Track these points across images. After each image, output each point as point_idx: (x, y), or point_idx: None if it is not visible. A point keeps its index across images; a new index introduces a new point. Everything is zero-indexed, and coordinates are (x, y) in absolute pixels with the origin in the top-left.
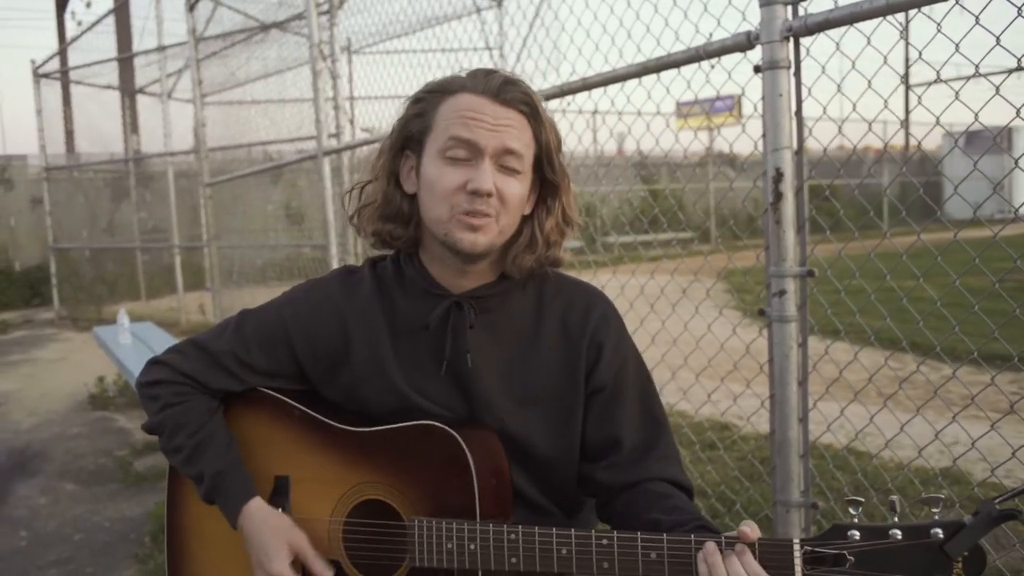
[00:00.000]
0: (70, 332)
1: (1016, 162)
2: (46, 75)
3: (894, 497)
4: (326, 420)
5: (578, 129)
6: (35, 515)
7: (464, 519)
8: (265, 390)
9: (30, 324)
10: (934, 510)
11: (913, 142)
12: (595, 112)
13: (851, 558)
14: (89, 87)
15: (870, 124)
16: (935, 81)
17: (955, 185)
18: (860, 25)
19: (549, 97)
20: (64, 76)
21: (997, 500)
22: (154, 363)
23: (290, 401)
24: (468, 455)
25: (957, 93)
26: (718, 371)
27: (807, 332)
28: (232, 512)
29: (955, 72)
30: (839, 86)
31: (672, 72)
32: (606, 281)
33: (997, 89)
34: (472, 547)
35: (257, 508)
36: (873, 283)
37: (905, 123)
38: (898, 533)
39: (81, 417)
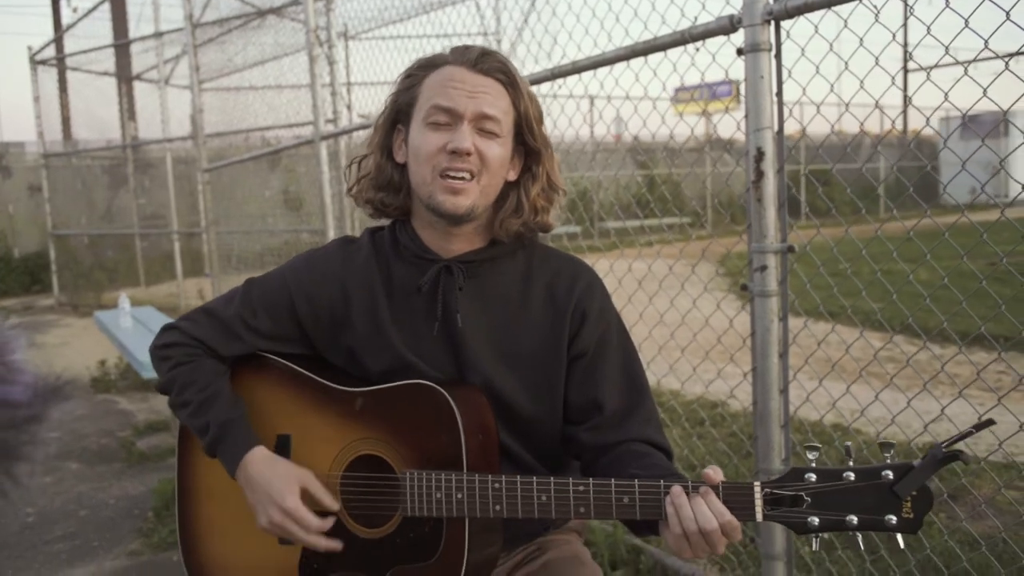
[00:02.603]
0: (71, 318)
1: (983, 142)
2: (43, 62)
3: (848, 443)
4: (324, 382)
5: (569, 112)
6: (41, 493)
7: (452, 471)
8: (268, 355)
9: (30, 311)
10: (886, 454)
11: (899, 126)
12: (584, 96)
13: (808, 499)
14: (86, 74)
15: (847, 105)
16: (904, 65)
17: (928, 164)
18: (839, 9)
19: (540, 80)
20: (60, 63)
21: (944, 444)
22: (167, 328)
23: (291, 365)
24: (456, 412)
25: (928, 74)
26: (704, 347)
27: (787, 306)
28: (234, 460)
29: (963, 57)
30: (818, 68)
31: (659, 55)
32: (594, 261)
33: (965, 70)
34: (459, 496)
35: (262, 455)
36: (853, 264)
37: (904, 107)
38: (851, 475)
39: (83, 399)
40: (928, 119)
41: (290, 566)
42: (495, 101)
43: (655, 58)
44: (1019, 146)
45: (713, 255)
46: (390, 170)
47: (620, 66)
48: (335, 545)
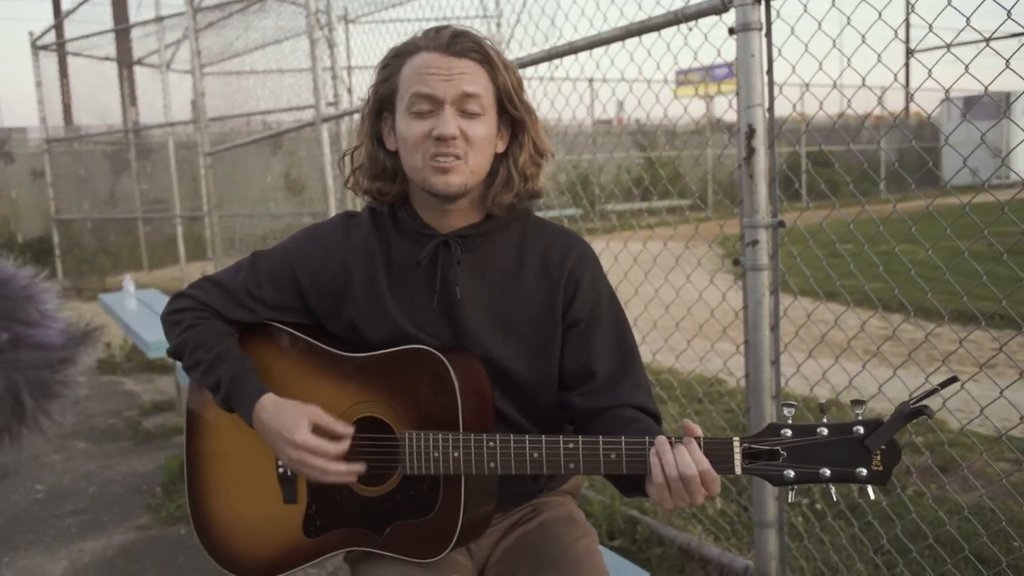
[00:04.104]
0: (75, 302)
1: (965, 118)
2: (44, 47)
3: (823, 401)
4: (327, 348)
5: (566, 93)
6: (49, 471)
7: (449, 432)
8: (274, 323)
9: None
10: (857, 411)
11: (887, 106)
12: (580, 77)
13: (784, 453)
14: (87, 59)
15: (835, 84)
16: (907, 45)
17: (911, 141)
18: None
19: (538, 62)
20: (61, 48)
21: (911, 401)
22: (178, 296)
23: (295, 332)
24: (452, 375)
25: (912, 53)
26: (698, 322)
27: (779, 280)
28: (248, 408)
29: (961, 37)
30: (807, 47)
31: (654, 36)
32: (591, 240)
33: (948, 49)
34: (456, 455)
35: (272, 399)
36: (844, 243)
37: (906, 88)
38: (824, 431)
39: (90, 381)
40: (911, 97)
41: (295, 524)
42: (473, 80)
43: (650, 38)
44: (994, 125)
45: (712, 237)
46: (383, 158)
47: (616, 47)
48: (357, 468)
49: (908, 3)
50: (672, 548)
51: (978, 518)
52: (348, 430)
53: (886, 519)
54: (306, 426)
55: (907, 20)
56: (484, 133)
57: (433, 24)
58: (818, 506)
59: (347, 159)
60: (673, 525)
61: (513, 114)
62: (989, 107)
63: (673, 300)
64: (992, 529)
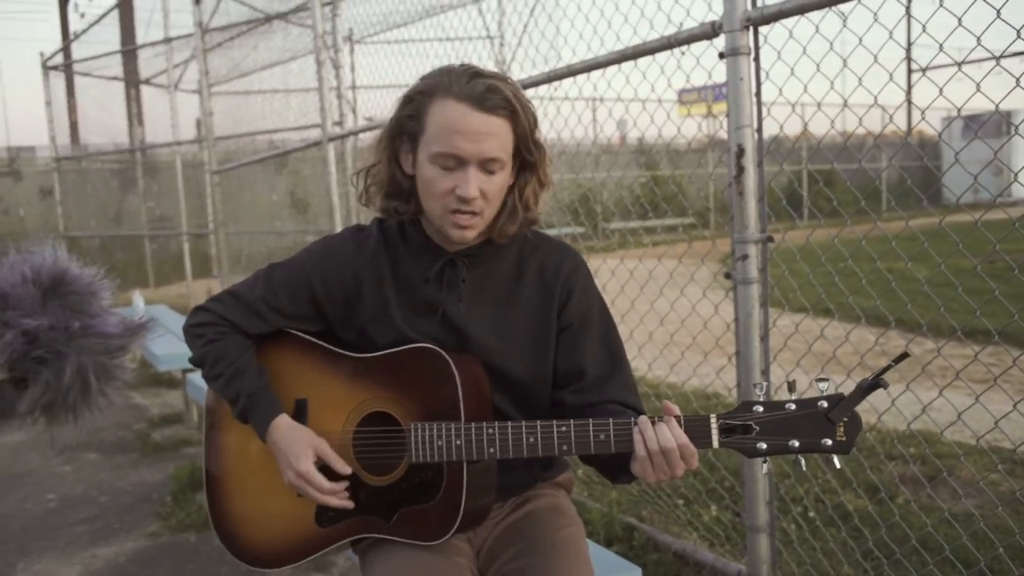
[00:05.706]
0: None
1: (943, 136)
2: (54, 67)
3: (791, 379)
4: (337, 350)
5: (565, 113)
6: (61, 481)
7: (452, 422)
8: (289, 330)
9: None
10: (821, 387)
11: (869, 126)
12: (579, 97)
13: (756, 427)
14: (96, 78)
15: (819, 105)
16: (908, 65)
17: (890, 161)
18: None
19: (538, 83)
20: (69, 68)
21: (870, 377)
22: (199, 309)
23: (309, 337)
24: (455, 371)
25: (891, 76)
26: (693, 334)
27: (768, 293)
28: (263, 426)
29: (959, 56)
30: (792, 70)
31: (648, 59)
32: (589, 258)
33: (924, 72)
34: (458, 442)
35: (284, 422)
36: (832, 260)
37: (909, 106)
38: (792, 406)
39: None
40: (891, 117)
41: (308, 515)
42: (499, 142)
43: (644, 62)
44: (966, 145)
45: (706, 252)
46: (400, 178)
47: (612, 69)
48: (346, 504)
49: (909, 25)
50: (668, 554)
51: (965, 524)
52: (346, 469)
53: (875, 526)
54: (311, 456)
55: (908, 44)
56: (501, 184)
57: (435, 43)
58: (810, 513)
59: (360, 176)
60: (669, 532)
61: (527, 158)
62: (991, 126)
63: (667, 313)
64: (970, 531)
